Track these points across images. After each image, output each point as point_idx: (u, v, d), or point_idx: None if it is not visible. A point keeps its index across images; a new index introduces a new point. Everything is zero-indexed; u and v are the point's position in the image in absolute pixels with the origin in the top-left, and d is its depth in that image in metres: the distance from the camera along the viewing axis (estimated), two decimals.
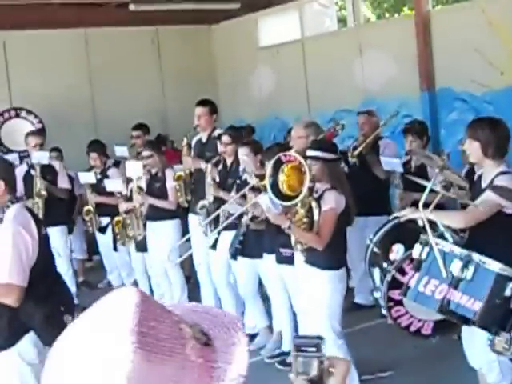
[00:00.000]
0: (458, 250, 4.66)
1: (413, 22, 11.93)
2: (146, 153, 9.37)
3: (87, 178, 10.27)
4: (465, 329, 5.57)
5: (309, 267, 6.20)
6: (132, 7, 12.43)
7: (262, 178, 6.93)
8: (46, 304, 4.66)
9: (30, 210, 5.01)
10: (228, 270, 8.22)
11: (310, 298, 6.25)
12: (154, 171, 9.36)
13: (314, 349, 2.04)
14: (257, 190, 7.12)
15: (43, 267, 4.74)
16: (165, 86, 15.41)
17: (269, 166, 6.07)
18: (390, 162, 8.23)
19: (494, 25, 10.76)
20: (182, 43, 15.44)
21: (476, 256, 4.55)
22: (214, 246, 8.22)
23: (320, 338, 2.07)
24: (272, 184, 5.93)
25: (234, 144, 8.21)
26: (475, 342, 5.38)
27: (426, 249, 4.82)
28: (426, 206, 5.36)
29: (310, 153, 6.32)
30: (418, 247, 4.90)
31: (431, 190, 5.41)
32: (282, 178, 5.87)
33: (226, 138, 8.32)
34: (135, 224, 9.40)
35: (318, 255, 6.09)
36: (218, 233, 8.08)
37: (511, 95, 10.63)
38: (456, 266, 4.56)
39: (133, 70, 14.72)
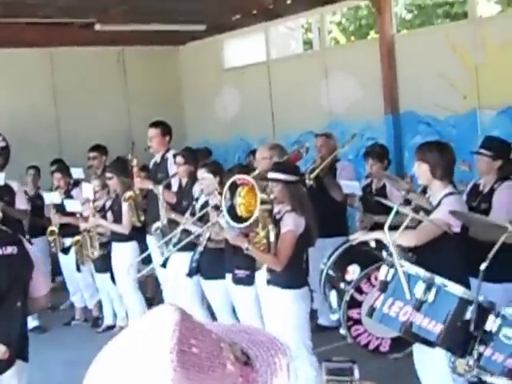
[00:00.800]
0: (421, 273, 4.69)
1: (378, 45, 12.04)
2: (107, 174, 9.42)
3: (52, 198, 10.21)
4: (416, 351, 5.62)
5: (271, 287, 6.22)
6: (98, 27, 12.40)
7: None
8: None
9: None
10: (194, 290, 8.15)
11: (276, 318, 6.25)
12: (115, 194, 9.38)
13: (346, 373, 2.04)
14: (218, 209, 7.14)
15: None
16: (130, 106, 15.38)
17: (224, 189, 6.10)
18: (350, 185, 8.30)
19: (457, 50, 10.90)
20: (148, 64, 15.43)
21: (438, 279, 4.59)
22: (164, 265, 8.23)
23: (353, 361, 2.07)
24: (229, 206, 5.96)
25: (187, 165, 8.26)
26: (426, 364, 5.45)
27: (392, 270, 4.86)
28: (381, 227, 5.44)
29: (270, 175, 6.36)
30: (384, 269, 4.94)
31: (397, 212, 5.46)
32: (238, 200, 5.90)
33: (179, 159, 8.37)
34: (88, 244, 9.39)
35: (279, 275, 6.12)
36: (169, 251, 8.08)
37: (474, 119, 10.76)
38: (419, 289, 4.59)
39: (98, 90, 14.69)
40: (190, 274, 7.62)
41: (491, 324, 4.39)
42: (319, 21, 14.41)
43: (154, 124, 9.10)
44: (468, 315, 4.46)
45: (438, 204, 5.43)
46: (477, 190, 6.65)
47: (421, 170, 5.58)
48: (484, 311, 4.45)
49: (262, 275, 6.52)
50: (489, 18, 13.80)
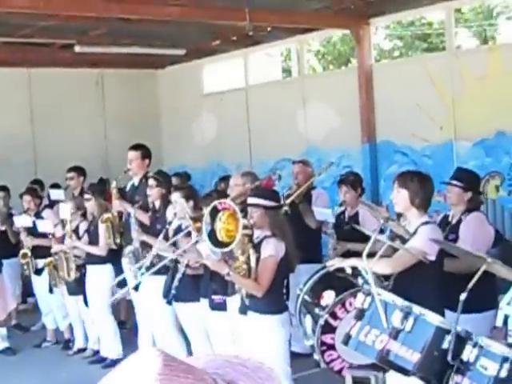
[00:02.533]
0: (398, 301, 4.69)
1: (356, 74, 12.12)
2: (85, 196, 9.38)
3: (23, 221, 10.15)
4: (390, 380, 5.59)
5: (251, 313, 6.18)
6: (77, 49, 12.38)
7: (196, 220, 6.97)
8: None
9: None
10: (167, 314, 8.10)
11: (254, 345, 6.20)
12: (92, 216, 9.33)
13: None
14: (189, 235, 7.13)
15: None
16: (107, 128, 15.35)
17: (205, 213, 6.09)
18: (322, 213, 8.33)
19: (434, 81, 11.00)
20: (126, 86, 15.43)
21: (416, 308, 4.59)
22: (136, 288, 8.19)
23: (378, 369, 2.04)
24: (209, 231, 5.95)
25: (159, 187, 8.27)
26: None
27: (369, 299, 4.85)
28: (354, 254, 5.45)
29: (250, 200, 6.36)
30: (360, 296, 4.93)
31: (377, 240, 5.47)
32: (219, 225, 5.90)
33: (151, 182, 8.38)
34: (65, 266, 9.32)
35: (259, 301, 6.09)
36: (142, 274, 8.04)
37: (450, 149, 10.84)
38: (396, 317, 4.59)
39: (76, 112, 14.67)
40: (169, 302, 7.54)
41: (468, 354, 4.38)
42: (298, 48, 14.51)
43: (134, 147, 9.09)
44: (445, 344, 4.46)
45: (414, 232, 5.47)
46: (446, 220, 6.71)
47: (400, 197, 5.62)
48: (461, 341, 4.45)
49: (234, 301, 6.49)
50: (466, 50, 13.97)
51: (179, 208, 7.57)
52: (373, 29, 12.42)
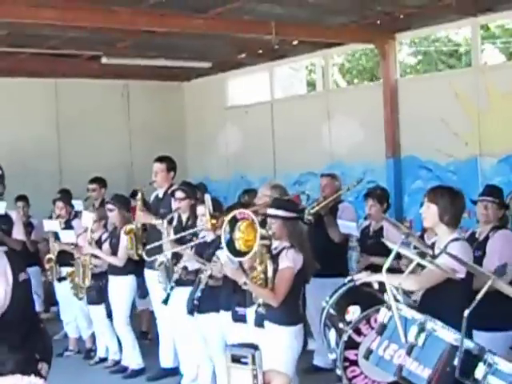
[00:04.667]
0: (417, 316, 4.66)
1: (381, 89, 12.12)
2: (109, 206, 9.39)
3: (52, 226, 10.19)
4: None
5: (266, 323, 6.19)
6: (104, 60, 12.48)
7: (214, 217, 7.11)
8: (19, 351, 4.53)
9: (9, 255, 4.90)
10: (187, 326, 8.12)
11: (266, 354, 6.19)
12: (113, 226, 9.38)
13: (248, 360, 2.00)
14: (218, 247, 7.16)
15: (18, 313, 4.63)
16: (132, 140, 15.43)
17: (225, 223, 6.11)
18: (347, 226, 8.34)
19: (460, 96, 10.98)
20: (151, 98, 15.52)
21: (429, 324, 4.55)
22: (165, 301, 8.19)
23: (256, 347, 2.03)
24: (228, 240, 5.96)
25: (188, 199, 8.27)
26: None
27: (389, 313, 4.83)
28: (377, 268, 5.40)
29: (270, 211, 6.39)
30: (383, 311, 4.90)
31: (397, 255, 5.45)
32: (237, 235, 5.91)
33: (179, 194, 8.37)
34: (81, 272, 9.36)
35: (274, 311, 6.11)
36: (171, 288, 8.07)
37: (475, 165, 10.80)
38: (412, 333, 4.56)
39: (101, 123, 14.77)
40: (191, 312, 7.57)
41: (481, 372, 4.34)
42: (323, 62, 14.53)
43: (160, 159, 9.10)
44: (456, 361, 4.43)
45: (444, 249, 5.35)
46: (473, 237, 6.66)
47: (429, 212, 5.53)
48: (473, 358, 4.40)
49: (251, 312, 6.51)
50: (492, 66, 13.91)
51: (199, 209, 7.63)
52: (398, 44, 12.41)
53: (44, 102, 14.39)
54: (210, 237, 7.43)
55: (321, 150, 13.06)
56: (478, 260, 6.08)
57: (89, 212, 9.74)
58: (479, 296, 4.39)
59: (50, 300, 11.55)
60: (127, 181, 14.04)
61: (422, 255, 5.24)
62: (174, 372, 8.93)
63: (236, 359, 2.03)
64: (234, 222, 5.98)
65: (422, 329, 4.56)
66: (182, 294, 7.75)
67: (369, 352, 4.88)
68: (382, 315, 4.88)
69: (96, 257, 9.35)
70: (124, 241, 9.04)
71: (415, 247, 6.08)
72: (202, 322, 7.68)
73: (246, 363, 2.01)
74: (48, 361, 4.47)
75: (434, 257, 5.40)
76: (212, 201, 8.12)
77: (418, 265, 5.42)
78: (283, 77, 15.31)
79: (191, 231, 7.88)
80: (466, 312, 4.30)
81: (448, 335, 4.50)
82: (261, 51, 13.14)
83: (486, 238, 6.53)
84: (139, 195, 8.94)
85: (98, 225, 9.56)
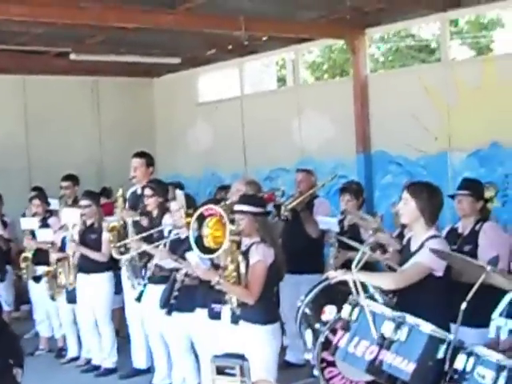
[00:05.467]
0: (389, 312, 4.66)
1: (351, 84, 12.13)
2: (83, 202, 9.25)
3: (29, 224, 10.06)
4: None
5: (242, 322, 6.13)
6: (73, 56, 12.39)
7: (189, 215, 7.03)
8: None
9: None
10: (160, 323, 8.10)
11: (244, 353, 6.16)
12: (89, 222, 9.26)
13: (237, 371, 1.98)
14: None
15: None
16: (102, 136, 15.34)
17: (192, 220, 6.06)
18: (327, 222, 8.30)
19: (430, 92, 11.02)
20: (121, 94, 15.43)
21: (410, 318, 4.56)
22: (138, 299, 8.15)
23: (243, 357, 2.01)
24: (196, 238, 5.92)
25: (156, 197, 8.23)
26: None
27: (356, 310, 4.81)
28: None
29: (237, 207, 6.32)
30: (347, 308, 4.88)
31: (364, 252, 5.43)
32: (206, 231, 5.86)
33: (147, 191, 8.32)
34: (67, 273, 9.26)
35: (250, 310, 6.03)
36: (144, 285, 8.03)
37: (444, 160, 10.85)
38: (388, 328, 4.55)
39: (71, 119, 14.67)
40: (169, 312, 7.51)
41: (463, 363, 4.35)
42: (294, 58, 14.53)
43: (139, 154, 9.05)
44: (440, 354, 4.43)
45: (421, 247, 5.31)
46: (455, 233, 6.60)
47: (408, 208, 5.43)
48: (454, 350, 4.42)
49: (225, 311, 6.45)
50: (461, 61, 13.99)
51: (178, 216, 7.57)
52: (368, 39, 12.43)
53: (12, 99, 14.25)
54: (183, 234, 7.38)
55: (291, 146, 13.06)
56: (470, 254, 6.01)
57: (72, 208, 9.57)
58: (474, 289, 4.38)
59: (21, 299, 11.46)
60: (97, 177, 13.97)
61: (373, 249, 5.21)
62: (147, 371, 8.90)
63: (221, 371, 2.00)
64: (201, 218, 5.94)
65: (400, 323, 4.57)
66: (155, 292, 7.72)
67: (335, 348, 4.88)
68: (347, 311, 4.87)
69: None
70: (107, 236, 8.93)
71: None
72: (175, 321, 7.63)
73: (233, 375, 1.99)
74: (21, 365, 4.41)
75: (411, 253, 5.38)
76: (185, 197, 8.09)
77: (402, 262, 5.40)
78: (253, 72, 15.32)
79: (157, 229, 7.84)
80: (464, 305, 4.33)
81: (427, 327, 4.52)
82: (231, 47, 13.13)
83: (473, 232, 6.48)
84: (120, 191, 8.84)
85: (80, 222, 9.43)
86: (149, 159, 9.04)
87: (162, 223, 8.06)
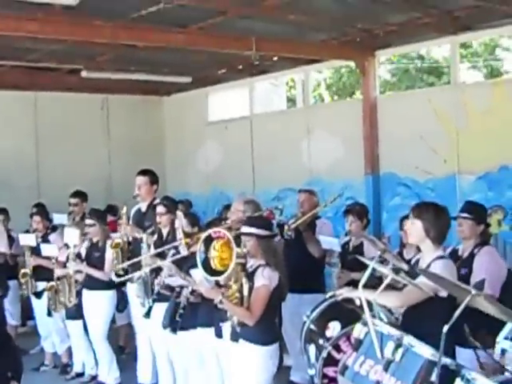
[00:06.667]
0: (393, 332, 4.66)
1: (361, 106, 12.16)
2: (88, 221, 9.31)
3: (27, 240, 10.12)
4: None
5: (242, 341, 6.14)
6: (84, 74, 12.46)
7: (188, 236, 7.17)
8: None
9: None
10: (166, 341, 8.08)
11: (240, 373, 6.16)
12: (94, 240, 9.29)
13: None
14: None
15: None
16: (111, 154, 15.39)
17: (199, 242, 6.07)
18: (329, 242, 8.32)
19: (439, 114, 11.03)
20: (131, 112, 15.50)
21: (406, 339, 4.54)
22: (147, 314, 8.14)
23: None
24: (203, 259, 5.93)
25: (169, 214, 8.23)
26: None
27: (365, 329, 4.82)
28: (358, 284, 5.38)
29: (244, 229, 6.33)
30: (358, 327, 4.89)
31: (374, 269, 5.43)
32: (213, 253, 5.87)
33: (160, 209, 8.31)
34: (67, 291, 9.28)
35: (249, 329, 6.04)
36: (153, 301, 8.02)
37: (453, 183, 10.85)
38: (389, 348, 4.55)
39: (80, 136, 14.72)
40: (175, 330, 7.51)
41: None
42: (303, 79, 14.57)
43: (143, 172, 9.06)
44: (434, 377, 4.41)
45: (428, 267, 5.32)
46: (456, 254, 6.62)
47: (414, 228, 5.47)
48: (451, 373, 4.39)
49: (225, 329, 6.45)
50: (471, 84, 14.00)
51: (177, 222, 7.61)
52: (378, 61, 12.47)
53: (23, 115, 14.32)
54: (184, 251, 7.39)
55: (300, 166, 13.07)
56: (465, 278, 6.03)
57: (73, 228, 9.61)
58: (457, 312, 4.37)
59: (27, 314, 11.45)
60: (106, 195, 13.98)
61: (397, 271, 5.23)
62: None
63: None
64: (209, 240, 5.95)
65: (398, 344, 4.55)
66: (160, 309, 7.72)
67: (344, 367, 4.87)
68: (358, 331, 4.87)
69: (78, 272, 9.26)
70: (110, 255, 8.95)
71: (393, 264, 6.07)
72: (180, 339, 7.62)
73: None
74: (19, 379, 4.41)
75: (415, 274, 5.37)
76: (189, 215, 8.10)
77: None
78: (263, 92, 15.34)
79: (170, 245, 7.83)
80: (445, 328, 4.28)
81: (425, 351, 4.50)
82: (241, 67, 13.18)
83: (471, 255, 6.48)
84: (124, 209, 8.85)
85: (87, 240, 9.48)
86: (153, 177, 9.04)
87: (174, 241, 8.03)
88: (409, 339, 4.54)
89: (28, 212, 10.94)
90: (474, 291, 4.34)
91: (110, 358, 9.29)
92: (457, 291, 4.56)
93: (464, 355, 5.33)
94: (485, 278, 6.13)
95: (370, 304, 5.13)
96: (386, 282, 5.07)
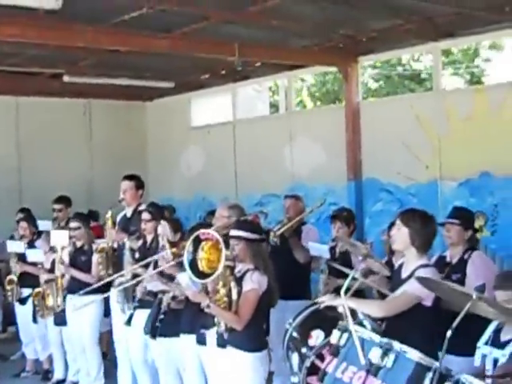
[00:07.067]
0: (377, 338, 4.65)
1: (343, 111, 12.18)
2: (73, 224, 9.23)
3: (16, 247, 10.02)
4: None
5: (229, 348, 6.09)
6: (66, 78, 12.41)
7: (173, 245, 7.14)
8: None
9: None
10: (145, 348, 8.05)
11: (229, 380, 6.12)
12: (79, 244, 9.23)
13: None
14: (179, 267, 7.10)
15: None
16: (94, 158, 15.34)
17: (188, 243, 6.03)
18: (318, 248, 8.28)
19: (421, 120, 11.07)
20: (114, 118, 15.46)
21: (397, 344, 4.54)
22: (128, 322, 8.10)
23: None
24: (191, 261, 5.89)
25: (154, 221, 8.19)
26: None
27: (345, 335, 4.80)
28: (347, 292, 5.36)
29: (233, 232, 6.30)
30: (336, 333, 4.88)
31: (354, 278, 5.43)
32: (200, 255, 5.82)
33: (145, 215, 8.27)
34: (55, 294, 9.21)
35: (238, 336, 6.00)
36: (134, 309, 7.98)
37: (435, 189, 10.88)
38: (375, 354, 4.53)
39: (62, 141, 14.66)
40: (154, 336, 7.47)
41: None
42: (286, 84, 14.58)
43: (129, 177, 9.02)
44: (427, 382, 4.40)
45: (411, 275, 5.28)
46: (443, 261, 6.60)
47: (400, 235, 5.44)
48: (442, 378, 4.39)
49: (210, 336, 6.41)
50: (453, 90, 14.07)
51: (161, 230, 7.58)
52: (361, 67, 12.50)
53: (5, 120, 14.26)
54: (169, 257, 7.36)
55: (283, 172, 13.08)
56: (457, 283, 6.01)
57: (60, 230, 9.54)
58: (460, 316, 4.34)
59: (9, 320, 11.39)
60: (87, 200, 13.92)
61: (365, 275, 5.21)
62: None
63: None
64: (197, 241, 5.91)
65: (388, 349, 4.55)
66: (141, 316, 7.68)
67: (323, 374, 4.86)
68: (336, 337, 4.86)
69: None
70: (95, 259, 8.90)
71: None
72: (161, 346, 7.59)
73: None
74: None
75: (400, 281, 5.36)
76: (172, 221, 8.06)
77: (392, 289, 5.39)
78: (246, 98, 15.33)
79: (155, 257, 7.76)
80: (449, 333, 4.25)
81: (416, 355, 4.50)
82: (224, 72, 13.17)
83: (462, 261, 6.48)
84: (109, 213, 8.80)
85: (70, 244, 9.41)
86: (138, 182, 9.01)
87: (158, 247, 7.99)
88: (399, 344, 4.53)
89: (9, 216, 10.90)
90: (474, 295, 4.33)
91: (99, 365, 9.24)
92: (457, 296, 4.54)
93: (454, 362, 5.32)
94: (484, 282, 6.13)
95: (353, 312, 5.12)
96: (355, 286, 5.06)
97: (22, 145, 14.41)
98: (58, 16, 8.41)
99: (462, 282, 6.19)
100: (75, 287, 9.06)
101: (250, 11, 9.02)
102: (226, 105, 14.79)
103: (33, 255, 9.72)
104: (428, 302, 5.20)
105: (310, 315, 6.12)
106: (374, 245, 8.88)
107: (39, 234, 10.42)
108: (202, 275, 5.82)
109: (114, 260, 8.72)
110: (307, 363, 5.62)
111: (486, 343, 4.88)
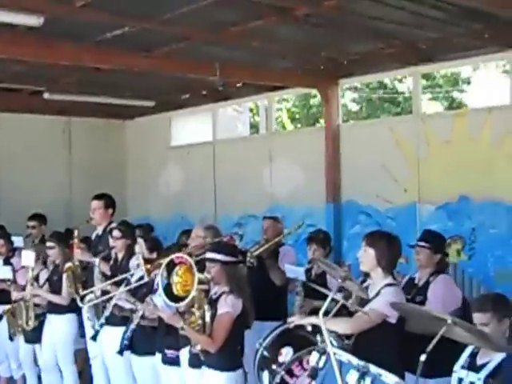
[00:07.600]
0: (354, 361, 4.66)
1: (323, 134, 12.21)
2: (48, 244, 9.26)
3: None
4: None
5: (204, 368, 6.10)
6: (46, 95, 12.38)
7: (148, 262, 7.15)
8: None
9: None
10: (123, 366, 8.00)
11: None
12: (57, 263, 9.22)
13: None
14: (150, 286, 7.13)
15: None
16: (72, 177, 15.28)
17: (161, 268, 6.03)
18: (294, 270, 8.26)
19: (400, 143, 11.12)
20: (93, 136, 15.42)
21: (373, 368, 4.55)
22: (94, 338, 8.09)
23: None
24: (166, 285, 5.88)
25: (124, 239, 8.22)
26: None
27: (324, 357, 4.82)
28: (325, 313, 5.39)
29: (208, 255, 6.31)
30: (315, 355, 4.90)
31: (332, 299, 5.45)
32: (175, 279, 5.83)
33: (115, 233, 8.31)
34: (23, 314, 9.17)
35: (212, 356, 6.00)
36: (101, 325, 7.98)
37: (413, 212, 10.91)
38: (352, 377, 4.55)
39: (41, 159, 14.60)
40: (121, 352, 7.47)
41: None
42: (267, 105, 14.62)
43: (98, 196, 9.04)
44: None
45: (377, 294, 5.46)
46: (412, 283, 6.71)
47: (367, 256, 5.61)
48: None
49: (186, 354, 6.42)
50: (432, 114, 14.15)
51: (137, 248, 7.61)
52: (341, 89, 12.55)
53: None
54: (144, 278, 7.35)
55: (261, 193, 13.08)
56: (420, 305, 6.09)
57: (29, 251, 9.53)
58: (434, 341, 4.34)
59: None
60: (66, 218, 13.85)
61: (346, 298, 5.25)
62: None
63: None
64: (171, 266, 5.91)
65: (364, 373, 4.55)
66: (115, 334, 7.65)
67: None
68: (315, 359, 4.88)
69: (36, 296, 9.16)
70: (64, 279, 8.88)
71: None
72: (136, 365, 7.57)
73: None
74: None
75: (368, 301, 5.44)
76: (153, 240, 8.07)
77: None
78: (226, 118, 15.36)
79: (125, 275, 7.76)
80: (423, 357, 4.26)
81: (392, 379, 4.51)
82: (205, 92, 13.19)
83: (427, 283, 6.56)
84: (75, 233, 8.82)
85: (37, 262, 9.39)
86: (108, 201, 9.02)
87: (129, 265, 8.01)
88: (376, 368, 4.55)
89: None
90: (449, 320, 4.34)
91: (74, 381, 9.20)
92: (430, 320, 4.55)
93: None
94: (442, 306, 6.16)
95: (319, 329, 5.14)
96: (335, 308, 5.10)
97: (1, 161, 14.33)
98: (39, 33, 8.41)
99: (423, 303, 6.29)
100: (50, 306, 9.05)
101: (231, 32, 9.03)
102: (206, 125, 14.80)
103: (1, 272, 9.67)
104: (393, 320, 5.35)
105: (280, 334, 6.17)
106: (352, 267, 8.88)
107: (14, 250, 10.37)
108: (176, 298, 5.82)
109: (83, 278, 8.72)
110: (277, 379, 5.66)
111: (463, 367, 4.89)
